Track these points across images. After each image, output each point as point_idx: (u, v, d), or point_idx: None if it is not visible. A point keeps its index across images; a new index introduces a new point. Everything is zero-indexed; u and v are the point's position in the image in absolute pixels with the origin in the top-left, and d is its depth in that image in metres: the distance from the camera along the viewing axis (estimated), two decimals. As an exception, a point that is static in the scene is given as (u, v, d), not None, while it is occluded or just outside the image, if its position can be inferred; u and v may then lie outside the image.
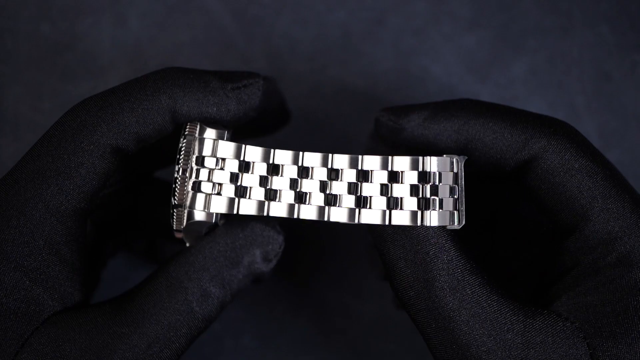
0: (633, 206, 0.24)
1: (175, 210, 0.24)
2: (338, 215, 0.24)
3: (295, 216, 0.24)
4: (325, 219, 0.24)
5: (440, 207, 0.24)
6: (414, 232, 0.24)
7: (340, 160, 0.24)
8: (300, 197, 0.24)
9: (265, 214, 0.24)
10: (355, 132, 0.38)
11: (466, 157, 0.25)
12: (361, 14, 0.39)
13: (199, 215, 0.24)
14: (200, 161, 0.24)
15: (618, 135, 0.38)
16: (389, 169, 0.24)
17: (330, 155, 0.24)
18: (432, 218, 0.24)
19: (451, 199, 0.24)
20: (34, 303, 0.23)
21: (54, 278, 0.24)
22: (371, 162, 0.24)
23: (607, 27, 0.39)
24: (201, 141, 0.24)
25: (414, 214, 0.24)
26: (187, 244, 0.26)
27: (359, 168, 0.24)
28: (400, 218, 0.24)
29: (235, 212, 0.24)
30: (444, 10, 0.40)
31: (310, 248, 0.38)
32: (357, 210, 0.24)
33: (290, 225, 0.36)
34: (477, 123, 0.25)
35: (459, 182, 0.24)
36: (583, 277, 0.24)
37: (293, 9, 0.39)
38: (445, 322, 0.23)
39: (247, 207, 0.24)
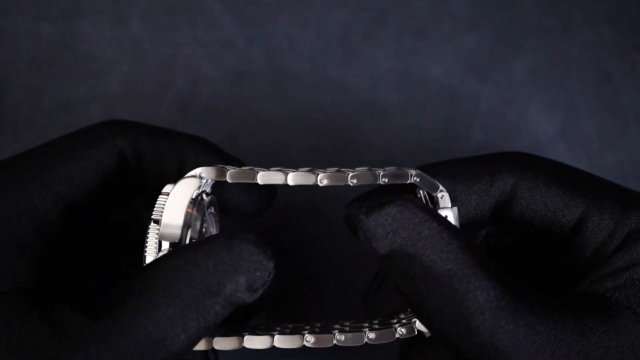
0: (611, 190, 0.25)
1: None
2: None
3: (319, 180, 0.24)
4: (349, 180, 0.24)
5: None
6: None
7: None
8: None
9: (285, 180, 0.24)
10: (355, 132, 0.38)
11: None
12: (361, 14, 0.39)
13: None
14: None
15: (618, 135, 0.39)
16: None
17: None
18: None
19: None
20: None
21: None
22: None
23: (607, 27, 0.39)
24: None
25: None
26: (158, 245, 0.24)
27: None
28: None
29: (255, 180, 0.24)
30: (444, 10, 0.40)
31: (311, 249, 0.38)
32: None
33: (291, 226, 0.36)
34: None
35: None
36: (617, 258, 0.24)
37: (293, 9, 0.39)
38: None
39: (267, 174, 0.24)
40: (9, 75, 0.38)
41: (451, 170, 0.26)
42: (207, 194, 0.26)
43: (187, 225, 0.24)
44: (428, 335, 0.25)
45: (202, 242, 0.22)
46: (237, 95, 0.39)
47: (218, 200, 0.28)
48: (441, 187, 0.25)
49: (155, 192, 0.25)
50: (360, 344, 0.24)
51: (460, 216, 0.26)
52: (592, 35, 0.39)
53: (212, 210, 0.28)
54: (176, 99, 0.39)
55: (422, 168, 0.26)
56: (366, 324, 0.26)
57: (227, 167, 0.25)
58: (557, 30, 0.39)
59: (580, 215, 0.25)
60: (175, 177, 0.26)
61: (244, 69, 0.39)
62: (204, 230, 0.26)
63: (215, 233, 0.28)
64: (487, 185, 0.26)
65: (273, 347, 0.24)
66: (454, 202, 0.26)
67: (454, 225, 0.23)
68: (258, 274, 0.22)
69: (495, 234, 0.29)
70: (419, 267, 0.22)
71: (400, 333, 0.24)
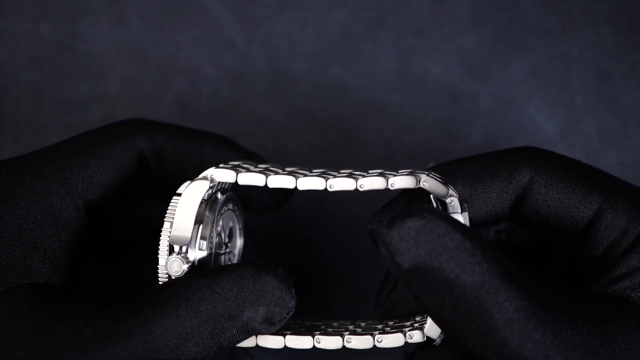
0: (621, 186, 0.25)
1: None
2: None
3: (329, 185, 0.24)
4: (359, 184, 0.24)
5: None
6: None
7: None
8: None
9: (295, 184, 0.24)
10: (355, 132, 0.38)
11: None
12: (361, 14, 0.40)
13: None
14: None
15: (618, 135, 0.39)
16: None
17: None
18: None
19: None
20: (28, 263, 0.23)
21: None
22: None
23: (607, 27, 0.39)
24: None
25: None
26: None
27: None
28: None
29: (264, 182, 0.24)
30: (444, 10, 0.40)
31: (311, 248, 0.38)
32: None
33: (291, 227, 0.36)
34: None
35: None
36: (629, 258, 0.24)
37: (293, 9, 0.39)
38: None
39: (277, 179, 0.24)
40: (9, 75, 0.38)
41: (470, 168, 0.26)
42: (225, 190, 0.26)
43: (197, 227, 0.24)
44: (437, 342, 0.24)
45: (233, 266, 0.23)
46: (237, 95, 0.39)
47: (238, 195, 0.28)
48: (450, 192, 0.24)
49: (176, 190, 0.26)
50: (369, 347, 0.24)
51: (482, 213, 0.26)
52: (592, 35, 0.39)
53: (231, 206, 0.28)
54: (176, 99, 0.39)
55: (438, 167, 0.26)
56: (380, 326, 0.25)
57: (239, 168, 0.25)
58: (557, 30, 0.39)
59: (595, 212, 0.25)
60: (196, 175, 0.26)
61: (244, 69, 0.39)
62: (219, 228, 0.26)
63: (238, 228, 0.29)
64: (506, 182, 0.26)
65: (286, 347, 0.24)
66: (469, 203, 0.25)
67: (476, 234, 0.22)
68: (277, 309, 0.23)
69: (505, 230, 0.29)
70: (444, 281, 0.21)
71: (410, 337, 0.24)
